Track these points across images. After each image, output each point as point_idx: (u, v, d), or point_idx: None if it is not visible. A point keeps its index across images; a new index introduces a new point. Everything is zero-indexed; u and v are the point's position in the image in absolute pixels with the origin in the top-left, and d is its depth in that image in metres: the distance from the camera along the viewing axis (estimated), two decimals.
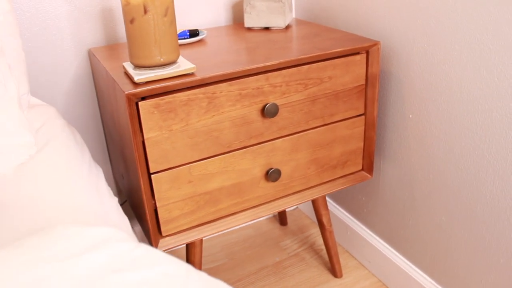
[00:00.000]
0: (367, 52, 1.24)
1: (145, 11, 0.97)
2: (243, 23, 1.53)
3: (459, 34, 1.09)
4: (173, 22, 1.01)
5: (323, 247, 1.75)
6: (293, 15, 1.66)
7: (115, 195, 1.60)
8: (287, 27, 1.43)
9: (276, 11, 1.37)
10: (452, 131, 1.17)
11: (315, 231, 1.84)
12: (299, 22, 1.50)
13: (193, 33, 1.32)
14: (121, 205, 1.60)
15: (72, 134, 1.10)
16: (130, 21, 0.98)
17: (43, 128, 1.04)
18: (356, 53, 1.23)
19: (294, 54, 1.14)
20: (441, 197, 1.26)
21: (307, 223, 1.89)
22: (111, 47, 1.34)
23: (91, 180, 0.93)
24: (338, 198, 1.72)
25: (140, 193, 1.08)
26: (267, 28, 1.42)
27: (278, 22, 1.39)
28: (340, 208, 1.72)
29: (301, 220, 1.91)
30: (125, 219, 0.91)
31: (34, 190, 0.84)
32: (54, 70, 1.37)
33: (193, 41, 1.30)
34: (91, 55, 1.34)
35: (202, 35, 1.33)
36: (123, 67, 1.08)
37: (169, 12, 0.99)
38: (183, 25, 1.50)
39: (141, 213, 1.16)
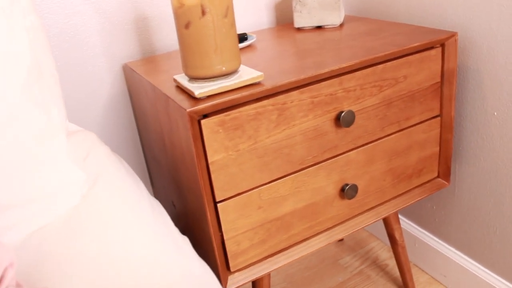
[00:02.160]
0: (443, 46, 1.09)
1: (203, 13, 0.82)
2: (288, 24, 1.38)
3: None
4: (233, 24, 0.86)
5: (388, 262, 1.59)
6: None
7: None
8: (341, 25, 1.28)
9: (330, 7, 1.22)
10: None
11: (375, 244, 1.68)
12: (351, 18, 1.35)
13: (242, 37, 1.18)
14: None
15: (120, 163, 0.95)
16: (185, 26, 0.84)
17: (89, 158, 0.90)
18: (430, 47, 1.08)
19: (367, 53, 0.99)
20: None
21: (365, 236, 1.73)
22: (148, 60, 1.19)
23: (158, 221, 0.78)
24: None
25: (206, 225, 0.93)
26: (319, 27, 1.27)
27: (333, 19, 1.24)
28: (405, 219, 1.56)
29: (357, 233, 1.75)
30: (206, 268, 0.75)
31: (100, 243, 0.69)
32: (85, 90, 1.22)
33: (243, 46, 1.15)
34: (127, 70, 1.20)
35: (251, 39, 1.18)
36: (175, 80, 0.93)
37: (229, 12, 0.84)
38: None
39: (205, 246, 1.01)
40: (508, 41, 1.04)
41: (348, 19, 1.34)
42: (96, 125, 1.26)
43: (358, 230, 1.11)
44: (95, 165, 0.88)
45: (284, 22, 1.44)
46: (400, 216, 1.58)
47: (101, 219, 0.74)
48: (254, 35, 1.21)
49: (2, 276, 0.56)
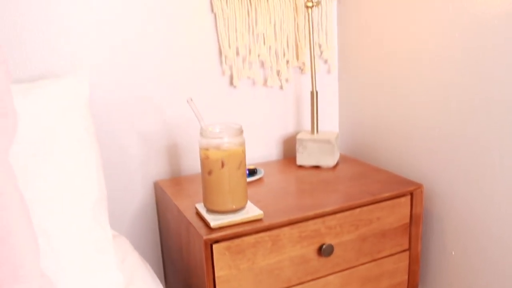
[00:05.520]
0: (411, 194, 1.36)
1: (222, 165, 1.11)
2: (293, 158, 1.67)
3: (499, 187, 1.21)
4: (244, 173, 1.15)
5: None
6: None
7: None
8: (335, 165, 1.57)
9: (327, 152, 1.52)
10: (494, 273, 1.26)
11: None
12: (344, 159, 1.64)
13: (252, 171, 1.46)
14: None
15: (148, 271, 1.21)
16: (208, 172, 1.12)
17: (125, 263, 1.16)
18: (401, 195, 1.35)
19: (347, 199, 1.27)
20: None
21: None
22: (176, 181, 1.48)
23: None
24: None
25: None
26: (316, 166, 1.56)
27: (327, 161, 1.53)
28: None
29: None
30: None
31: None
32: (120, 199, 1.51)
33: (253, 180, 1.44)
34: (157, 187, 1.48)
35: (260, 174, 1.47)
36: (196, 208, 1.21)
37: (241, 165, 1.13)
38: None
39: None
40: (462, 197, 1.31)
41: (342, 159, 1.63)
42: (125, 230, 1.54)
43: None
44: (130, 268, 1.15)
45: (289, 155, 1.73)
46: None
47: None
48: (263, 170, 1.50)
49: None
